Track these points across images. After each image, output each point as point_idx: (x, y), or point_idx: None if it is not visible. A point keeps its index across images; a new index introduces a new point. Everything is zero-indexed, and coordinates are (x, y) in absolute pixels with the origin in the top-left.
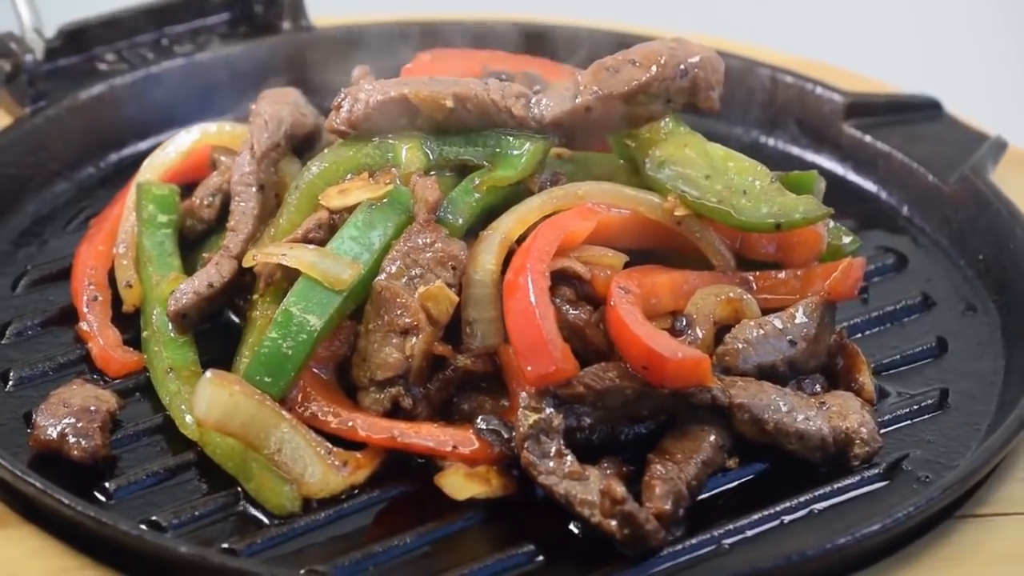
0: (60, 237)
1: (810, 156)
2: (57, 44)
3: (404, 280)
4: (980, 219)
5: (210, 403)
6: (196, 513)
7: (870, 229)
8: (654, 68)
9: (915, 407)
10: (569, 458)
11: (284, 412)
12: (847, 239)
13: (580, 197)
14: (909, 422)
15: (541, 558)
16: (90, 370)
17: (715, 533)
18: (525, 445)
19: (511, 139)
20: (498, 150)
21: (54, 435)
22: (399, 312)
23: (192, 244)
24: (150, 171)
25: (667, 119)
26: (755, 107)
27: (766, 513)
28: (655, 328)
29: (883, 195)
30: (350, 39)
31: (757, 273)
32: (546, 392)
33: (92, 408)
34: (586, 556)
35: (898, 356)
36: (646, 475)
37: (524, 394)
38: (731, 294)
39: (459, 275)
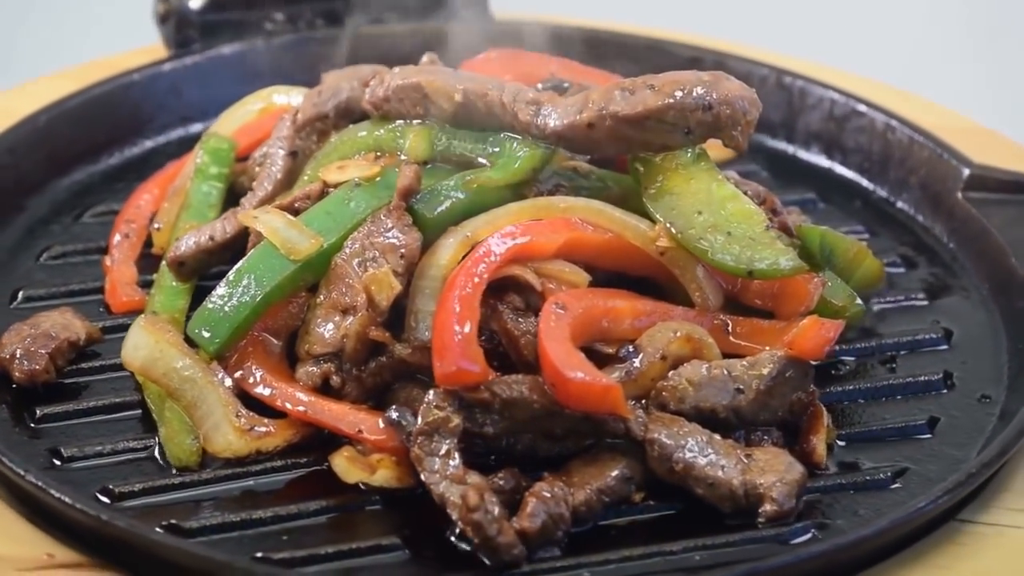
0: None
1: (928, 222)
2: None
3: (357, 260)
4: None
5: (136, 347)
6: (103, 450)
7: (941, 299)
8: (671, 97)
9: (863, 479)
10: (456, 460)
11: (206, 368)
12: (854, 302)
13: (562, 210)
14: (850, 492)
15: (403, 553)
16: (102, 303)
17: (582, 560)
18: (418, 440)
19: (515, 143)
20: (499, 151)
21: (7, 354)
22: (344, 291)
23: None
24: (223, 124)
25: (690, 151)
26: (891, 165)
27: (646, 551)
28: (570, 348)
29: (973, 271)
30: (512, 34)
31: (738, 318)
32: (454, 393)
33: (52, 334)
34: (446, 559)
35: (878, 428)
36: (529, 490)
37: (432, 391)
38: (691, 332)
39: (407, 264)
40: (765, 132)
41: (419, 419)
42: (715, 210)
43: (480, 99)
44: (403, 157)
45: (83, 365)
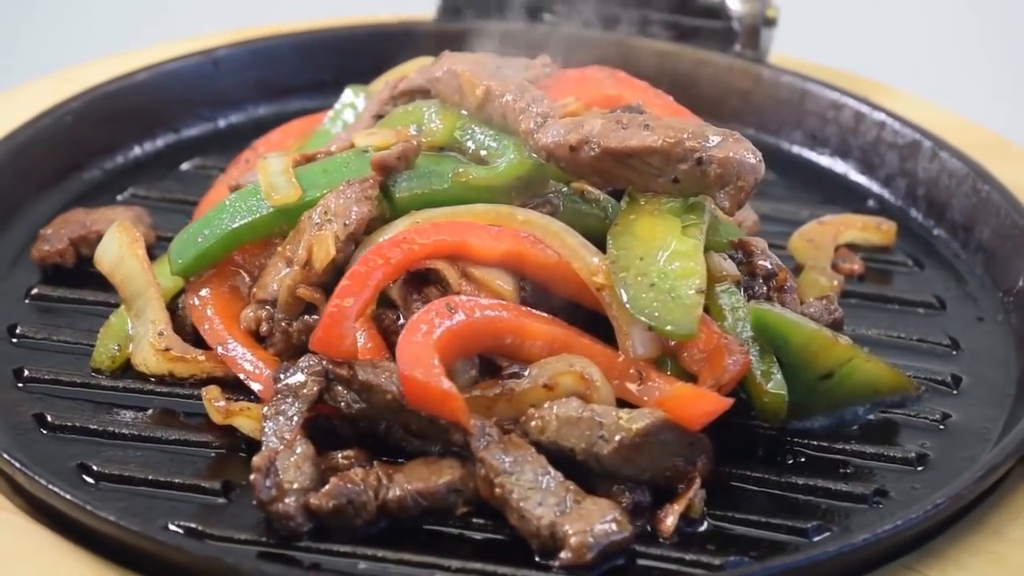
0: None
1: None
2: None
3: (316, 219)
4: None
5: (105, 249)
6: (54, 337)
7: (953, 421)
8: (657, 142)
9: (699, 559)
10: (292, 425)
11: (155, 284)
12: (775, 390)
13: (520, 222)
14: (674, 567)
15: (217, 498)
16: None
17: (365, 551)
18: (274, 399)
19: (517, 149)
20: (499, 151)
21: (41, 232)
22: (296, 244)
23: None
24: (378, 81)
25: (682, 201)
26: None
27: (424, 561)
28: (427, 346)
29: (1012, 402)
30: (787, 85)
31: (655, 373)
32: (323, 362)
33: (87, 224)
34: (254, 515)
35: (763, 520)
36: (340, 472)
37: (305, 356)
38: (585, 371)
39: (349, 233)
40: (948, 231)
41: (281, 380)
42: (656, 259)
43: (498, 99)
44: (414, 134)
45: None
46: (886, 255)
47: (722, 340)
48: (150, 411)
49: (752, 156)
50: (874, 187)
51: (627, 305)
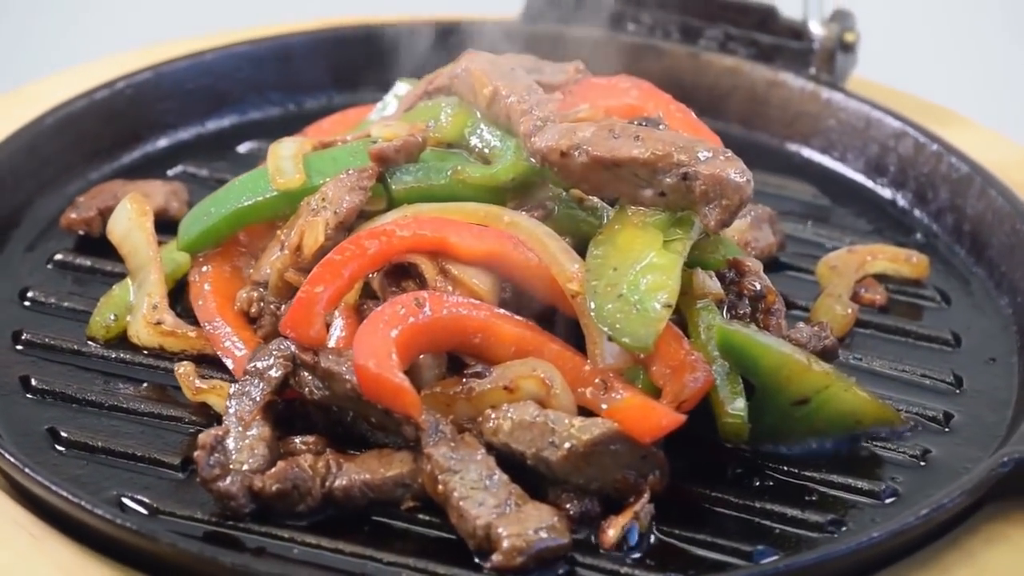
0: None
1: None
2: None
3: (314, 205)
4: None
5: (116, 220)
6: (59, 303)
7: (935, 456)
8: (644, 153)
9: (630, 572)
10: (251, 406)
11: (157, 259)
12: (735, 412)
13: (505, 224)
14: None
15: (175, 472)
16: None
17: (304, 538)
18: (241, 379)
19: (517, 151)
20: (502, 152)
21: (74, 197)
22: (292, 229)
23: None
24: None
25: (669, 215)
26: None
27: (361, 552)
28: (385, 338)
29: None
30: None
31: (620, 385)
32: (291, 346)
33: (117, 195)
34: (204, 492)
35: (706, 540)
36: (291, 456)
37: (276, 340)
38: (547, 376)
39: (338, 221)
40: (985, 269)
41: (252, 361)
42: (630, 271)
43: (503, 99)
44: (427, 129)
45: None
46: (917, 288)
47: (688, 357)
48: (134, 383)
49: (739, 175)
50: (924, 220)
51: (592, 314)
